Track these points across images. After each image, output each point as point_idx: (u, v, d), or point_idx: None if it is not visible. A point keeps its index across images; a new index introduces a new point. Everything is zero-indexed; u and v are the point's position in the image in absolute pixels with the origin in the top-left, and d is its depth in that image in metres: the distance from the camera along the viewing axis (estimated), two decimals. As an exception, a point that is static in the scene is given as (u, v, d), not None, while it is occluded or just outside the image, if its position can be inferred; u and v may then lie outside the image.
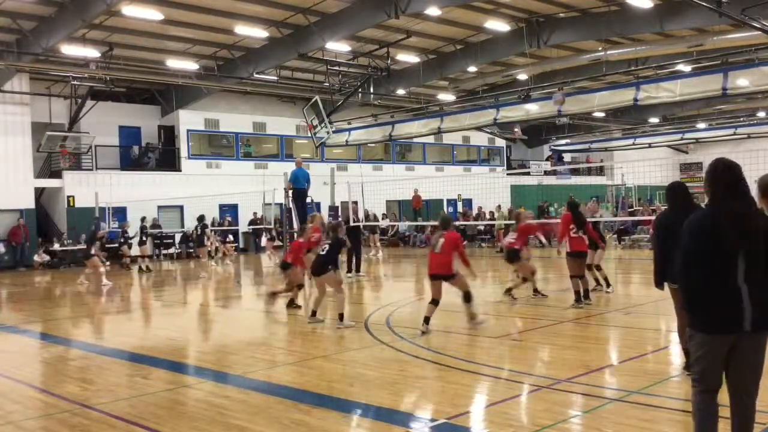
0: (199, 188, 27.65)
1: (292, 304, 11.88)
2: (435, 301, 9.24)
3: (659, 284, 6.36)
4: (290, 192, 17.83)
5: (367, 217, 27.13)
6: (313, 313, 10.36)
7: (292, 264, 11.92)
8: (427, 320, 9.12)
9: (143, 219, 24.21)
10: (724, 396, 4.03)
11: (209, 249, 22.57)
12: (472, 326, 9.30)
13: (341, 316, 9.90)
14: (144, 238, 23.44)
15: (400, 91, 31.06)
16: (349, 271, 17.59)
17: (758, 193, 4.49)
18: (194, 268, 19.77)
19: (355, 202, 19.76)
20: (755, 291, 3.78)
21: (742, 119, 39.74)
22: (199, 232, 20.61)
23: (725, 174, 3.89)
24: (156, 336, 10.53)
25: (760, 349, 3.88)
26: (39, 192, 27.19)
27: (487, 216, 29.70)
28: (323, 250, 10.24)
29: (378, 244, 27.00)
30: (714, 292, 3.79)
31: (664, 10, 21.59)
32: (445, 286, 9.35)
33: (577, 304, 10.88)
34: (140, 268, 21.96)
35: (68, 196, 26.87)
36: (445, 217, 10.06)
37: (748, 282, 3.77)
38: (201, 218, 20.57)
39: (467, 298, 9.35)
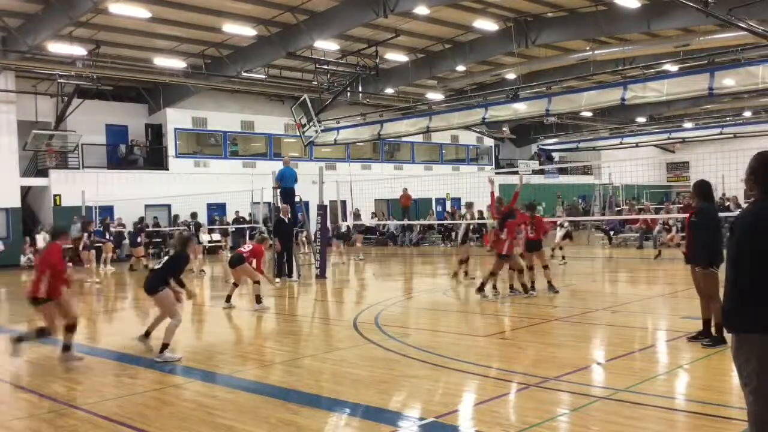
0: (186, 187, 27.53)
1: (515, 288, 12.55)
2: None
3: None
4: (278, 191, 17.76)
5: (356, 216, 27.13)
6: (147, 334, 8.50)
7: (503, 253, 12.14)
8: None
9: (142, 219, 23.75)
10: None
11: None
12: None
13: (164, 347, 7.93)
14: (139, 240, 22.49)
15: (389, 90, 31.07)
16: (279, 275, 16.32)
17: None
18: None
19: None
20: None
21: (728, 119, 40.05)
22: (133, 231, 20.43)
23: None
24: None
25: None
26: (25, 191, 26.99)
27: (476, 215, 29.70)
28: (158, 264, 8.51)
29: (341, 249, 23.54)
30: None
31: (651, 10, 21.72)
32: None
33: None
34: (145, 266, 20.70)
35: (54, 195, 26.68)
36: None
37: None
38: (141, 220, 20.30)
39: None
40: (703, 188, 7.84)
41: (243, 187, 23.55)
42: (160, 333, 8.14)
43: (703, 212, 7.70)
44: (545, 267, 12.76)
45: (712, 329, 7.63)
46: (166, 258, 8.64)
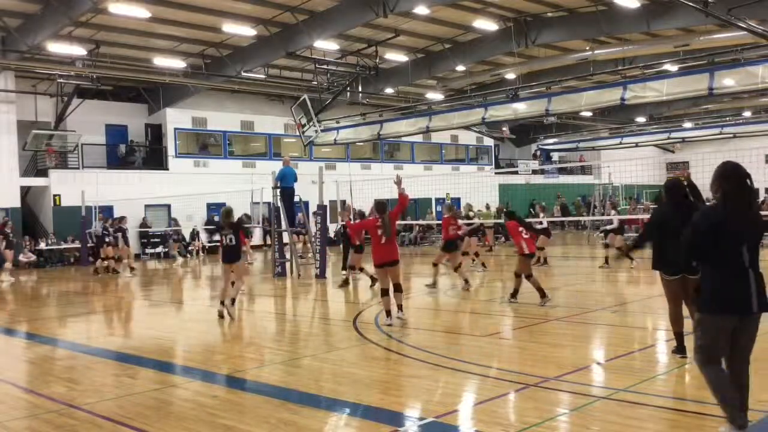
0: (186, 187, 27.52)
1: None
2: None
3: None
4: (278, 190, 17.78)
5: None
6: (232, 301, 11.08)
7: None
8: None
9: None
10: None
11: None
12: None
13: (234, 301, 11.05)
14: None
15: (389, 90, 31.07)
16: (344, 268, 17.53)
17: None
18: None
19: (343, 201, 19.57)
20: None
21: (728, 119, 40.07)
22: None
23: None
24: (143, 335, 10.46)
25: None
26: (24, 191, 26.99)
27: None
28: (231, 241, 11.04)
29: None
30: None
31: (651, 10, 21.74)
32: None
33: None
34: None
35: (54, 195, 26.68)
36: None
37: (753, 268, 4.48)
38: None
39: None
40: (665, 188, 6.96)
41: (243, 187, 23.52)
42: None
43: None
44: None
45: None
46: (231, 234, 10.86)
